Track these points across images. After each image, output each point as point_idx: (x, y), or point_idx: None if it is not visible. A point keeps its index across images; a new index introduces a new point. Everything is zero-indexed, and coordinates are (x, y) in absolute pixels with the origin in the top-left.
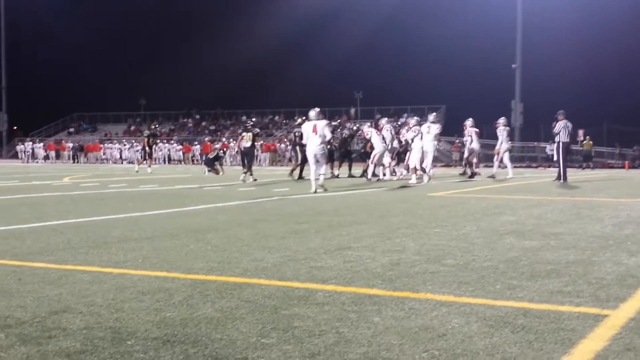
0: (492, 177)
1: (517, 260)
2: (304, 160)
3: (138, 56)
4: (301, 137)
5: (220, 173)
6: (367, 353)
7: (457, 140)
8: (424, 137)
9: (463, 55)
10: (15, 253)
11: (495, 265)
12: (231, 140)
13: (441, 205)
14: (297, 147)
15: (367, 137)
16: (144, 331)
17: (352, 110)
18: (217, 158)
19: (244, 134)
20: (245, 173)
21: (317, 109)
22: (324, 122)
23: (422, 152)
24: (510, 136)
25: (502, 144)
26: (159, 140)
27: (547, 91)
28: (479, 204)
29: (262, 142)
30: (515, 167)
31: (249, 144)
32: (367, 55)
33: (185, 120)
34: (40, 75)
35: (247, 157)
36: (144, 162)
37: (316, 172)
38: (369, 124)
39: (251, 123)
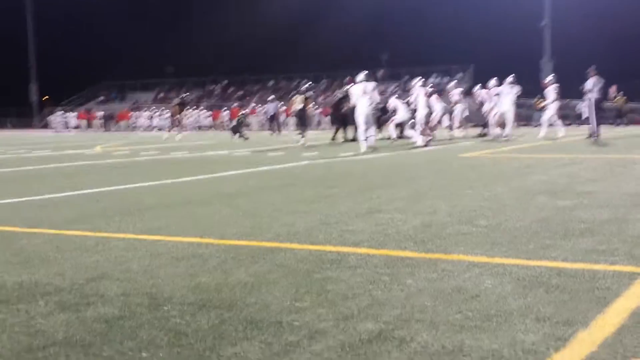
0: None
1: (549, 220)
2: (346, 122)
3: (165, 23)
4: (342, 99)
5: (247, 138)
6: (401, 315)
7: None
8: (504, 97)
9: (490, 13)
10: (52, 221)
11: (528, 225)
12: (259, 105)
13: (472, 166)
14: (338, 110)
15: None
16: (180, 296)
17: (380, 72)
18: (241, 124)
19: (296, 97)
20: (302, 135)
21: (365, 72)
22: (373, 84)
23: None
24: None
25: (554, 102)
26: (188, 107)
27: (577, 47)
28: (510, 164)
29: (313, 104)
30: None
31: (300, 106)
32: (393, 16)
33: (212, 86)
34: (68, 45)
35: (300, 120)
36: (174, 129)
37: (366, 132)
38: (396, 95)
39: (306, 87)
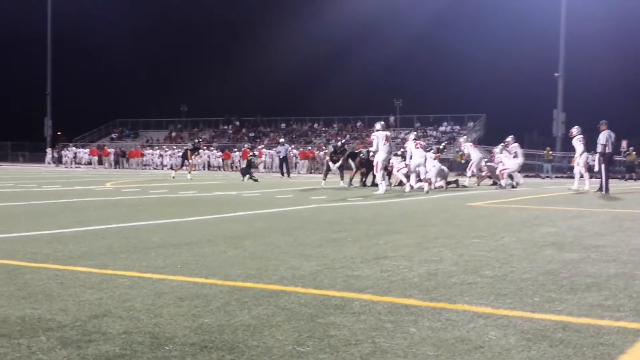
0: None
1: (556, 273)
2: (368, 166)
3: (180, 64)
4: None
5: (257, 180)
6: None
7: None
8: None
9: (504, 63)
10: (58, 257)
11: (534, 277)
12: (271, 147)
13: (480, 216)
14: (353, 157)
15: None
16: (182, 336)
17: (392, 118)
18: (250, 165)
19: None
20: (347, 179)
21: (382, 122)
22: (389, 132)
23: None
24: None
25: (582, 154)
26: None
27: (589, 100)
28: (519, 214)
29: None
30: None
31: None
32: (407, 63)
33: (225, 127)
34: (84, 82)
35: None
36: (183, 168)
37: (385, 176)
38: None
39: (341, 142)
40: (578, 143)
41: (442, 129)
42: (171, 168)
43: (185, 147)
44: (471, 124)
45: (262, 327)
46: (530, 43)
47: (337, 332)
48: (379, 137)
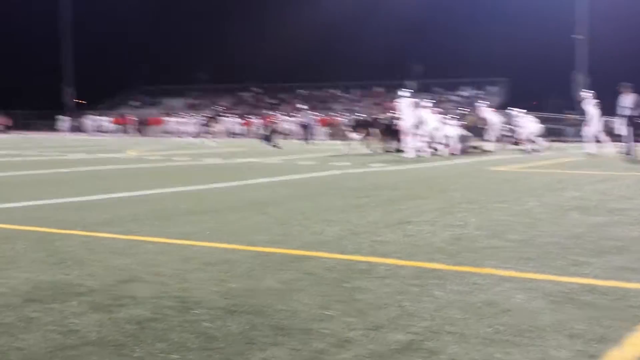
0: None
1: (582, 236)
2: (391, 133)
3: (199, 29)
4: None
5: (280, 146)
6: (431, 327)
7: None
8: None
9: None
10: (85, 224)
11: (560, 241)
12: (291, 114)
13: (503, 180)
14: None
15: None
16: (210, 301)
17: (411, 84)
18: (272, 133)
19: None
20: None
21: (407, 89)
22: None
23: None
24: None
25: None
26: (222, 117)
27: (614, 63)
28: (542, 179)
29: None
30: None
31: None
32: (426, 28)
33: (245, 94)
34: (104, 50)
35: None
36: (209, 135)
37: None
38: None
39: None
40: (587, 106)
41: (463, 93)
42: (192, 136)
43: (208, 115)
44: (492, 88)
45: (289, 292)
46: (553, 2)
47: (363, 296)
48: (405, 104)
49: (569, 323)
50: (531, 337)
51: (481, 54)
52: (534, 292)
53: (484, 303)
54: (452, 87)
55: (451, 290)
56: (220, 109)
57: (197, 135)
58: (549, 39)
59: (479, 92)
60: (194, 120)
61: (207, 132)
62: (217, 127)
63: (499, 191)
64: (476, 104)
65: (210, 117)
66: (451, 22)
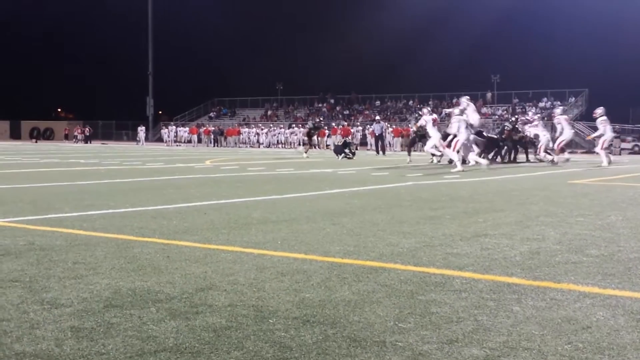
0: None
1: None
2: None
3: (277, 42)
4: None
5: (354, 157)
6: (507, 342)
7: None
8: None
9: (608, 36)
10: (163, 232)
11: None
12: (367, 125)
13: (583, 193)
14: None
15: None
16: (285, 310)
17: (489, 95)
18: (346, 145)
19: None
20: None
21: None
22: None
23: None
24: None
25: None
26: (319, 131)
27: None
28: (625, 192)
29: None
30: None
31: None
32: (505, 36)
33: (320, 105)
34: (183, 62)
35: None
36: (302, 147)
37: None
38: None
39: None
40: (599, 124)
41: (541, 104)
42: (267, 146)
43: (307, 127)
44: (572, 99)
45: (363, 303)
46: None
47: (438, 309)
48: (459, 120)
49: None
50: (611, 355)
51: (561, 64)
52: (616, 309)
53: (563, 319)
54: (531, 98)
55: (529, 306)
56: (320, 120)
57: (304, 147)
58: (631, 51)
59: (559, 103)
60: (270, 132)
61: (303, 144)
62: (312, 139)
63: (579, 204)
64: (556, 110)
65: (311, 129)
66: (531, 31)
